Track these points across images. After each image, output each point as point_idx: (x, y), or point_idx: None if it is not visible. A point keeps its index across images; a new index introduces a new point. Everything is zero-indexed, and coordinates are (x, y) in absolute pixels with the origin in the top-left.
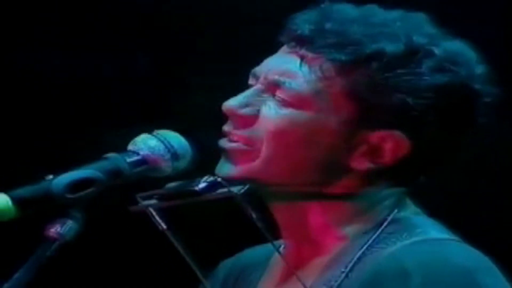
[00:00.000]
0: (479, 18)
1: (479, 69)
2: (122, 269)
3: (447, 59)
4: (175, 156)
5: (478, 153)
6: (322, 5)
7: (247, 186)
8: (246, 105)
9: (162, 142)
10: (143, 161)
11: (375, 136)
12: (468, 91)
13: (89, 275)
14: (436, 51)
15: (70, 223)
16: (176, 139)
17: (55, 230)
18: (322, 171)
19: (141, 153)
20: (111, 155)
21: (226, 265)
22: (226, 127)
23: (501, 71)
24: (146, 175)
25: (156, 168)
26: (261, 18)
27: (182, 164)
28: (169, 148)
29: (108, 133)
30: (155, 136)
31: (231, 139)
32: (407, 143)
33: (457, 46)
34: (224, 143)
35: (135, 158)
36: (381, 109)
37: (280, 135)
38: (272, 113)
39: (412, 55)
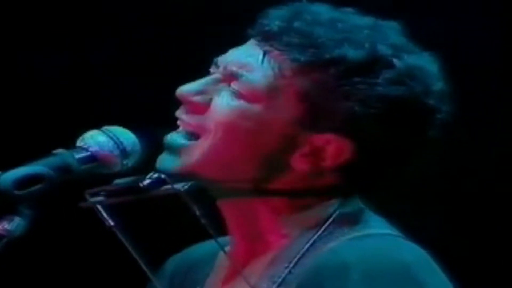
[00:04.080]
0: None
1: (437, 85)
2: (71, 266)
3: (406, 73)
4: (124, 152)
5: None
6: (297, 3)
7: (190, 183)
8: (201, 92)
9: (111, 138)
10: (92, 158)
11: (319, 139)
12: (421, 106)
13: (37, 272)
14: (397, 63)
15: (18, 220)
16: (125, 135)
17: (2, 227)
18: (263, 167)
19: (90, 149)
20: (59, 151)
21: (174, 261)
22: (177, 112)
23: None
24: (95, 172)
25: (105, 165)
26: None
27: (132, 160)
28: (118, 144)
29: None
30: (104, 132)
31: (179, 127)
32: (351, 149)
33: (419, 61)
34: (171, 136)
35: (84, 154)
36: (329, 113)
37: (227, 126)
38: (223, 103)
39: (372, 64)
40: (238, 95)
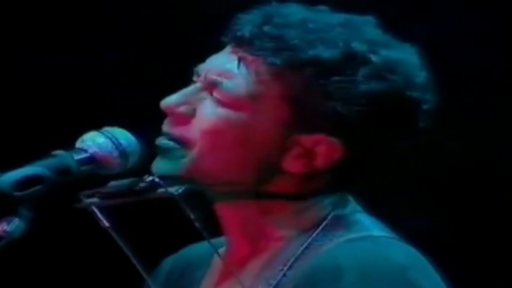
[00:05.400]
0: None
1: (419, 77)
2: (66, 267)
3: (385, 67)
4: (123, 153)
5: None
6: (267, 7)
7: (184, 186)
8: (184, 103)
9: (110, 139)
10: (91, 159)
11: (308, 140)
12: (404, 99)
13: (34, 274)
14: (374, 58)
15: (17, 221)
16: (124, 136)
17: (2, 228)
18: (256, 172)
19: (89, 150)
20: (58, 152)
21: (170, 261)
22: (163, 127)
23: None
24: (95, 173)
25: (104, 166)
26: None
27: (131, 161)
28: (117, 146)
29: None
30: (103, 133)
31: (168, 137)
32: (341, 147)
33: (398, 54)
34: (159, 140)
35: (83, 155)
36: (314, 114)
37: (214, 134)
38: (208, 112)
39: (349, 62)
40: (221, 103)
